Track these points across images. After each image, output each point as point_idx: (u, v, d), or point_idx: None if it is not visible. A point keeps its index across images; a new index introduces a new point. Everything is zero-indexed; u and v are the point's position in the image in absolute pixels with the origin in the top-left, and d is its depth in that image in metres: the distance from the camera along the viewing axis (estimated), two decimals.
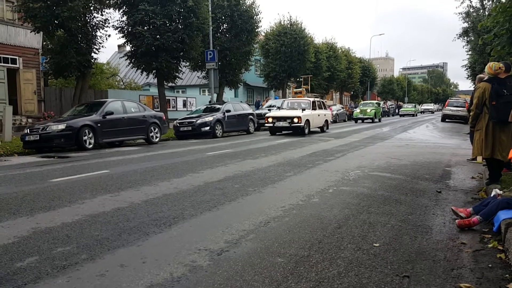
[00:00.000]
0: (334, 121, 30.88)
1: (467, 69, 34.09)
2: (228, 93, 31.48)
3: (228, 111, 17.78)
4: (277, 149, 11.07)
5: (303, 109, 16.80)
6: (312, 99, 18.45)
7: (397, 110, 50.84)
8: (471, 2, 28.00)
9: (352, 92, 52.97)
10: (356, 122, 30.04)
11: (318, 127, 18.46)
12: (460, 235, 3.74)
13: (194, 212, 4.41)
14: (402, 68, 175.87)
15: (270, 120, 16.75)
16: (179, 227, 3.87)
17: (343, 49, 45.24)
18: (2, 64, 17.56)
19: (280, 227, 3.86)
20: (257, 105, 28.34)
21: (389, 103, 55.80)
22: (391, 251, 3.27)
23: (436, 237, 3.65)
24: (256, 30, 25.21)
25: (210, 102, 24.80)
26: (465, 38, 30.27)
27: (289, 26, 31.33)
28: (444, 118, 28.38)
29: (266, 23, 67.26)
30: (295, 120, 16.08)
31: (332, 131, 19.63)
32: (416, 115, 45.82)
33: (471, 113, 5.83)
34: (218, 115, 17.10)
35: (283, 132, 17.28)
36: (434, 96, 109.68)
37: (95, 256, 3.10)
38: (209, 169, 7.55)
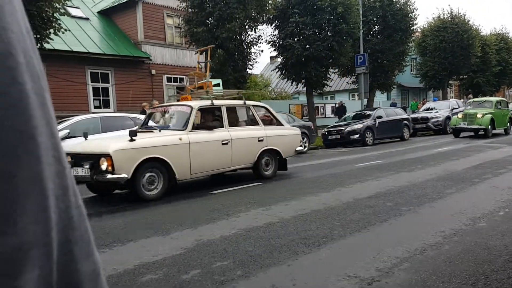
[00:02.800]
0: None
1: None
2: (379, 97, 30.21)
3: (380, 117, 17.04)
4: (436, 159, 10.12)
5: (133, 135, 6.38)
6: (198, 104, 7.55)
7: None
8: None
9: None
10: (456, 136, 17.17)
11: (242, 168, 8.19)
12: None
13: (343, 232, 4.32)
14: None
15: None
16: (327, 248, 3.84)
17: None
18: (172, 83, 20.25)
19: (438, 256, 3.49)
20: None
21: None
22: None
23: None
24: (412, 28, 23.66)
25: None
26: None
27: (449, 19, 28.53)
28: None
29: (423, 18, 62.54)
30: (103, 164, 6.10)
31: (505, 136, 17.04)
32: None
33: None
34: (368, 121, 16.52)
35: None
36: None
37: (249, 274, 3.28)
38: (359, 183, 7.32)
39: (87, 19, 18.86)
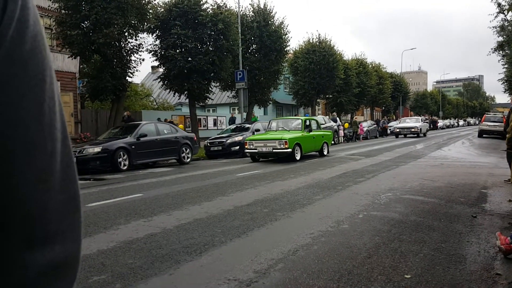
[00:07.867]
0: (365, 138, 30.57)
1: (503, 82, 33.09)
2: (257, 112, 31.75)
3: (258, 130, 17.92)
4: (306, 169, 11.05)
5: None
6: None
7: (431, 125, 49.58)
8: (505, 15, 27.26)
9: (383, 108, 52.24)
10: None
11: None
12: (495, 265, 3.63)
13: (224, 238, 4.47)
14: (436, 82, 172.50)
15: None
16: (209, 254, 3.94)
17: (373, 65, 44.84)
18: None
19: (308, 256, 3.86)
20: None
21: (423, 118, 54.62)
22: (423, 283, 3.20)
23: (470, 268, 3.56)
24: (285, 49, 25.51)
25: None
26: (501, 52, 29.42)
27: (317, 43, 31.48)
28: (481, 133, 27.67)
29: (295, 41, 67.86)
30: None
31: (363, 149, 19.38)
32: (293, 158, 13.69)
33: (508, 135, 5.71)
34: (248, 134, 17.24)
35: None
36: (471, 110, 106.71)
37: (129, 286, 3.20)
38: (239, 191, 7.63)
39: None
